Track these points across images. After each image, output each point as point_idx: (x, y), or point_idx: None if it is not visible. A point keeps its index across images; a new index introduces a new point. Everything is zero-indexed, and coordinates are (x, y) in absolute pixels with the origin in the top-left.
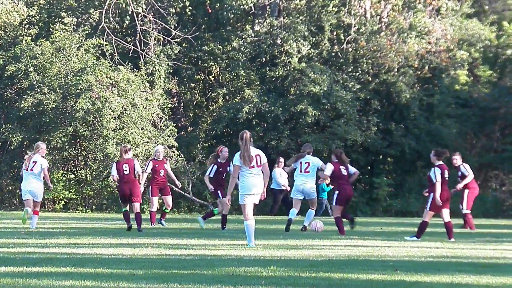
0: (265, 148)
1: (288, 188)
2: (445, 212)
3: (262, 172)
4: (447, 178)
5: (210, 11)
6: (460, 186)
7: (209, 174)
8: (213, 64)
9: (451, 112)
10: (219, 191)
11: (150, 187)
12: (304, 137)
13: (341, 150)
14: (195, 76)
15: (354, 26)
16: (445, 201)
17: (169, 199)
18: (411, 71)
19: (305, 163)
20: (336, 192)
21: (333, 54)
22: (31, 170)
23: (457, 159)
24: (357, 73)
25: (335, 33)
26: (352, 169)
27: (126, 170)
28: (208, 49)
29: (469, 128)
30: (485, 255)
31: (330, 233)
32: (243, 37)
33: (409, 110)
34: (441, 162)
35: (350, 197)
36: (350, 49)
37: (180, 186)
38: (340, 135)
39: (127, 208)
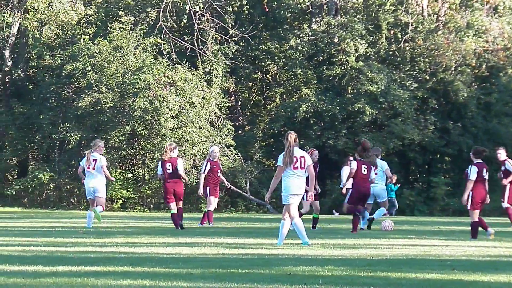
0: (322, 147)
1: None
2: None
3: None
4: (485, 177)
5: (267, 9)
6: (506, 181)
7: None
8: (270, 63)
9: (509, 110)
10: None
11: (208, 187)
12: (361, 136)
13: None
14: (253, 75)
15: (412, 25)
16: (482, 201)
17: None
18: (469, 69)
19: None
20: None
21: (390, 52)
22: (93, 168)
23: (501, 154)
24: (415, 72)
25: (392, 31)
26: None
27: (169, 169)
28: (265, 47)
29: None
30: None
31: (388, 233)
32: (300, 35)
33: (467, 109)
34: (479, 161)
35: (366, 196)
36: (408, 48)
37: (229, 186)
38: (398, 134)
39: (175, 210)
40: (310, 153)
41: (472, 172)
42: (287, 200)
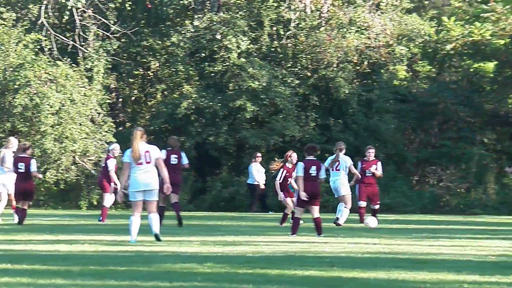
0: (203, 144)
1: (263, 186)
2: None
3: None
4: (313, 174)
5: (149, 6)
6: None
7: (279, 179)
8: (152, 59)
9: (390, 107)
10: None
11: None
12: (242, 132)
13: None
14: (134, 72)
15: (294, 21)
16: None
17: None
18: (350, 66)
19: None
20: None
21: (272, 49)
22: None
23: (371, 154)
24: (296, 69)
25: (274, 28)
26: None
27: (21, 169)
28: (147, 44)
29: (407, 123)
30: (422, 251)
31: (266, 229)
32: (182, 32)
33: (348, 105)
34: (311, 157)
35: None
36: (290, 45)
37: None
38: (278, 130)
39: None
40: (289, 155)
41: (299, 169)
42: (134, 197)
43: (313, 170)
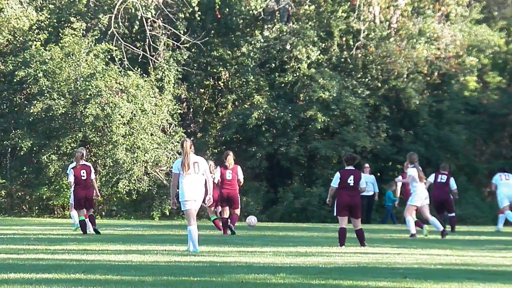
0: (274, 154)
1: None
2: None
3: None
4: (351, 184)
5: (219, 16)
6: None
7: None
8: (222, 69)
9: (461, 118)
10: None
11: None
12: (313, 143)
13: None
14: (205, 82)
15: (363, 32)
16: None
17: None
18: (420, 77)
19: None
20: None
21: (342, 59)
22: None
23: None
24: (367, 79)
25: (344, 38)
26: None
27: (83, 176)
28: (217, 54)
29: (478, 134)
30: (494, 263)
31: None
32: (252, 42)
33: (419, 116)
34: (349, 167)
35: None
36: (359, 55)
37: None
38: (350, 141)
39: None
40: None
41: (335, 179)
42: (185, 207)
43: (350, 180)
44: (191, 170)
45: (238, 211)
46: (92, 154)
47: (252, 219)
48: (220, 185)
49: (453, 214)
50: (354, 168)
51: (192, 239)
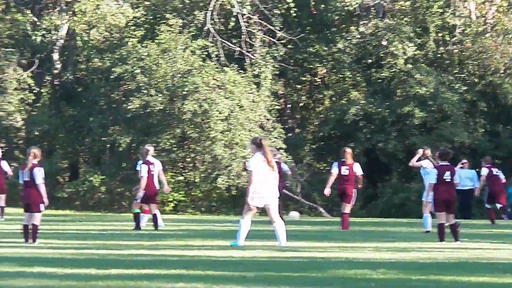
0: (372, 150)
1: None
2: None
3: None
4: (447, 179)
5: (314, 12)
6: None
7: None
8: (318, 65)
9: None
10: None
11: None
12: (411, 139)
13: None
14: (301, 78)
15: (459, 28)
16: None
17: None
18: None
19: None
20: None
21: (438, 55)
22: None
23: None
24: (463, 75)
25: (440, 34)
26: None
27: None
28: (314, 50)
29: None
30: None
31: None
32: (348, 38)
33: None
34: (444, 163)
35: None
36: (456, 51)
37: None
38: (447, 137)
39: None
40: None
41: (432, 175)
42: (255, 203)
43: (447, 176)
44: (268, 167)
45: (348, 208)
46: (190, 150)
47: (294, 214)
48: (337, 181)
49: None
50: (449, 164)
51: (241, 233)
